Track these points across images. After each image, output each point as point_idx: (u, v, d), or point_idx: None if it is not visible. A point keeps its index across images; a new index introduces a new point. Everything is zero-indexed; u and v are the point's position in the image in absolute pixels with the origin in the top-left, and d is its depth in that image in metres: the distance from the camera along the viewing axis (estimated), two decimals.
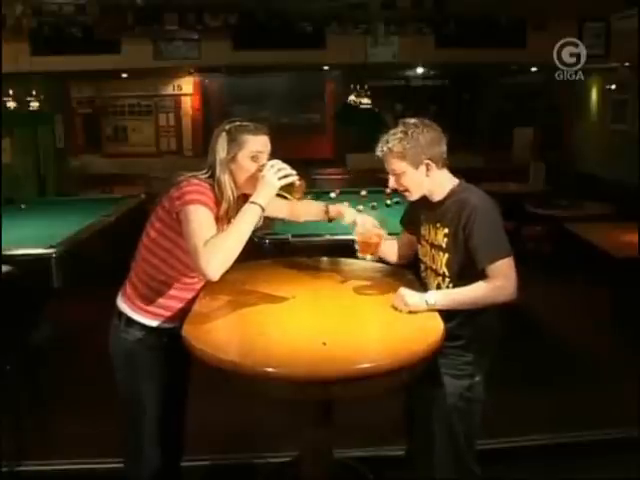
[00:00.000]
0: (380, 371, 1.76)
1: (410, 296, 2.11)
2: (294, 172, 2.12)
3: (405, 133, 2.19)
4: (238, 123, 2.19)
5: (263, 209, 2.05)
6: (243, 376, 1.76)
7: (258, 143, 2.19)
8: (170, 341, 2.22)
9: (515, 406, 3.39)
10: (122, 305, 2.27)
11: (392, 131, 2.23)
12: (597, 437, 3.28)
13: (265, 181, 2.07)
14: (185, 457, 2.63)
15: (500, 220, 2.17)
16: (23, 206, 5.49)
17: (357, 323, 2.10)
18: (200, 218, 2.02)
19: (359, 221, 2.42)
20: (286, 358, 1.85)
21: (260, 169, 2.13)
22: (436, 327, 1.98)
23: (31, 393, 3.63)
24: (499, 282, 2.08)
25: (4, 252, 3.48)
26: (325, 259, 2.89)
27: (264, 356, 1.83)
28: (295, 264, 2.69)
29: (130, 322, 2.23)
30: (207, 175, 2.17)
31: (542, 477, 3.06)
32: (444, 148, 2.24)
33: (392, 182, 2.28)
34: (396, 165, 2.22)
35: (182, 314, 2.19)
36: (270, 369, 1.73)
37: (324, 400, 2.03)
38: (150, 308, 2.22)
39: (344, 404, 2.10)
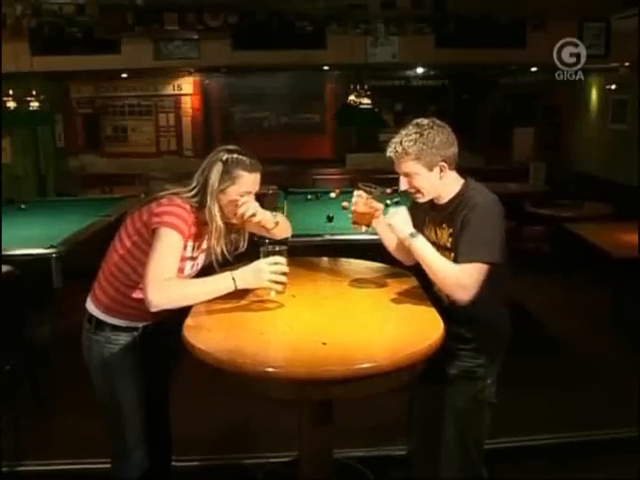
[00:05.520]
0: (380, 371, 1.77)
1: (400, 217, 2.15)
2: (286, 280, 2.11)
3: (420, 134, 2.14)
4: (236, 155, 2.17)
5: (235, 289, 2.07)
6: (243, 376, 1.76)
7: (250, 182, 2.19)
8: (144, 339, 2.27)
9: (515, 406, 3.39)
10: (91, 308, 2.27)
11: (404, 132, 2.17)
12: (597, 437, 3.28)
13: (257, 272, 2.07)
14: (184, 457, 2.64)
15: (497, 223, 2.14)
16: (23, 206, 5.49)
17: (357, 323, 2.10)
18: (168, 245, 2.05)
19: (355, 193, 2.34)
20: (286, 358, 1.85)
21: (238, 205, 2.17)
22: (436, 327, 1.98)
23: (31, 393, 3.63)
24: (464, 281, 2.06)
25: (4, 252, 3.48)
26: (325, 259, 2.88)
27: (264, 356, 1.84)
28: (295, 264, 2.68)
29: (100, 324, 2.25)
30: (192, 194, 2.17)
31: (542, 477, 3.06)
32: (456, 149, 2.20)
33: (404, 184, 2.23)
34: (411, 167, 2.16)
35: (153, 315, 2.20)
36: (270, 369, 1.73)
37: (324, 400, 2.03)
38: (120, 309, 2.23)
39: (344, 404, 2.10)
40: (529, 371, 3.94)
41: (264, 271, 2.07)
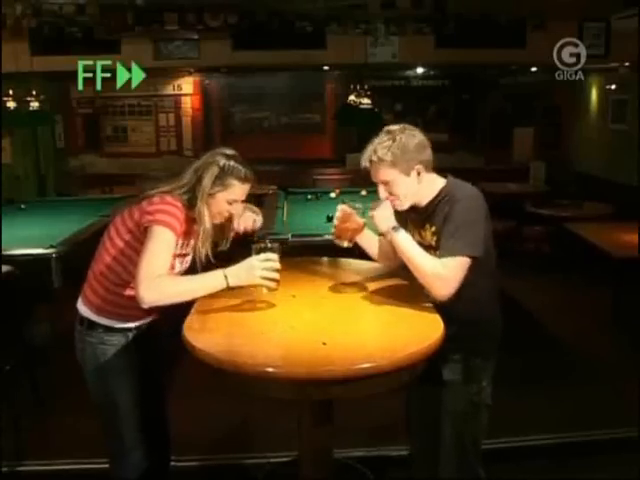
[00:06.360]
0: (380, 371, 1.76)
1: (383, 210, 2.14)
2: (278, 277, 2.10)
3: (392, 140, 2.12)
4: (232, 163, 2.17)
5: (228, 287, 2.06)
6: (243, 376, 1.76)
7: (240, 192, 2.20)
8: (136, 339, 2.27)
9: (515, 406, 3.40)
10: (83, 309, 2.27)
11: (377, 140, 2.16)
12: (597, 437, 3.28)
13: (249, 269, 2.06)
14: (184, 457, 2.63)
15: (478, 217, 2.11)
16: (23, 206, 5.49)
17: (357, 323, 2.10)
18: (161, 242, 2.05)
19: (338, 208, 2.34)
20: (286, 358, 1.85)
21: (230, 211, 2.21)
22: (436, 328, 1.97)
23: (31, 393, 3.63)
24: (445, 275, 2.05)
25: (4, 252, 3.48)
26: (325, 259, 2.88)
27: (264, 356, 1.84)
28: (295, 264, 2.69)
29: (92, 325, 2.24)
30: (183, 191, 2.16)
31: (542, 477, 3.06)
32: (430, 152, 2.19)
33: (382, 192, 2.20)
34: (387, 174, 2.15)
35: (145, 315, 2.23)
36: (270, 369, 1.73)
37: (324, 400, 2.03)
38: (111, 308, 2.23)
39: (344, 404, 2.10)
40: (529, 371, 3.94)
41: (256, 268, 2.06)
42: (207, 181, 2.15)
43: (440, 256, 2.08)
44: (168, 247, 2.08)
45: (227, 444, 3.31)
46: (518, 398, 3.49)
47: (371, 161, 2.16)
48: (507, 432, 3.20)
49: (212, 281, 2.06)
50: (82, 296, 2.30)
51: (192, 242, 2.26)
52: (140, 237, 2.12)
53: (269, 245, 2.14)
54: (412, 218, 2.29)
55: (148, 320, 2.28)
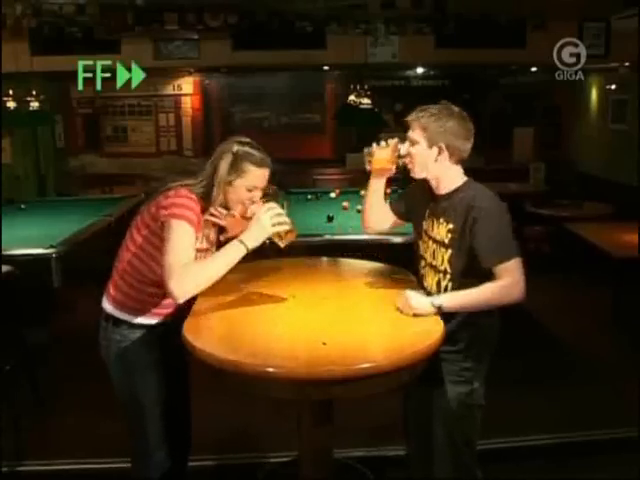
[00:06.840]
0: (380, 371, 1.77)
1: (416, 299, 2.10)
2: (288, 220, 2.11)
3: (439, 111, 2.22)
4: (247, 149, 2.18)
5: (248, 251, 2.06)
6: (243, 376, 1.77)
7: (258, 177, 2.19)
8: (162, 336, 2.26)
9: (515, 406, 3.40)
10: (108, 306, 2.27)
11: (433, 106, 2.25)
12: (597, 437, 3.28)
13: (259, 224, 2.07)
14: None
15: (507, 221, 2.16)
16: (23, 206, 5.50)
17: (357, 323, 2.10)
18: (181, 236, 2.04)
19: (392, 140, 2.38)
20: (286, 358, 1.85)
21: (251, 199, 2.18)
22: (436, 327, 1.98)
23: (31, 393, 3.63)
24: (506, 283, 2.07)
25: (4, 252, 3.49)
26: (325, 259, 2.89)
27: (264, 356, 1.84)
28: (295, 264, 2.69)
29: (117, 322, 2.25)
30: (200, 185, 2.16)
31: (542, 477, 3.06)
32: (466, 146, 2.26)
33: (404, 148, 2.31)
34: (415, 134, 2.25)
35: (169, 310, 2.22)
36: (270, 369, 1.74)
37: (324, 400, 2.04)
38: (136, 306, 2.23)
39: (344, 404, 2.10)
40: (529, 371, 3.94)
41: (265, 221, 2.07)
42: (223, 170, 2.15)
43: (494, 266, 2.09)
44: (189, 239, 2.07)
45: (227, 444, 3.31)
46: (518, 398, 3.50)
47: (411, 116, 2.27)
48: (507, 432, 3.20)
49: (233, 253, 2.06)
50: (106, 294, 2.30)
51: (212, 236, 2.26)
52: (157, 231, 2.12)
53: (269, 192, 2.19)
54: (431, 207, 2.32)
55: (170, 316, 2.26)
